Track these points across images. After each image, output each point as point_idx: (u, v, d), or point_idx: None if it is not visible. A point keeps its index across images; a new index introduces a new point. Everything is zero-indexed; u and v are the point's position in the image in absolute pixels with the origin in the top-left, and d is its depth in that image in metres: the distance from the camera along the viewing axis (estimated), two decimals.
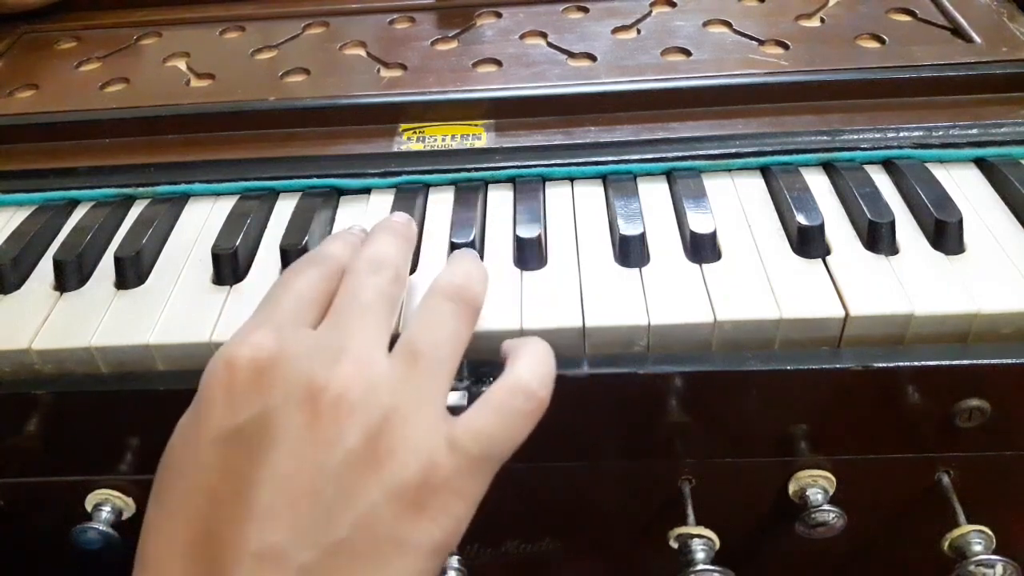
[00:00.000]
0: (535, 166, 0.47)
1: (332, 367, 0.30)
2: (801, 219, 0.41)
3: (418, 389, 0.31)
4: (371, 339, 0.31)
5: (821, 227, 0.41)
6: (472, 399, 0.32)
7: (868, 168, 0.46)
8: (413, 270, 0.41)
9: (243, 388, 0.29)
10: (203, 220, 0.47)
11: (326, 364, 0.30)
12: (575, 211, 0.45)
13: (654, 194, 0.46)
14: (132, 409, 0.40)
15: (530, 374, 0.32)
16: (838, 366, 0.37)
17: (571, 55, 0.56)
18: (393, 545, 0.28)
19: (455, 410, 0.31)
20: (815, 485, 0.41)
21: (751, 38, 0.56)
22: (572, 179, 0.47)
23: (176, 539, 0.28)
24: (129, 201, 0.49)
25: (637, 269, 0.41)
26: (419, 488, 0.29)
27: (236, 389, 0.29)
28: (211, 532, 0.28)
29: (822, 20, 0.58)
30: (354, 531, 0.28)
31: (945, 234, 0.41)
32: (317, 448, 0.29)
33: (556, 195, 0.46)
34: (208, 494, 0.29)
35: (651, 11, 0.61)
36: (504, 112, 0.51)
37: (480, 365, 0.36)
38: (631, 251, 0.41)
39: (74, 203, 0.49)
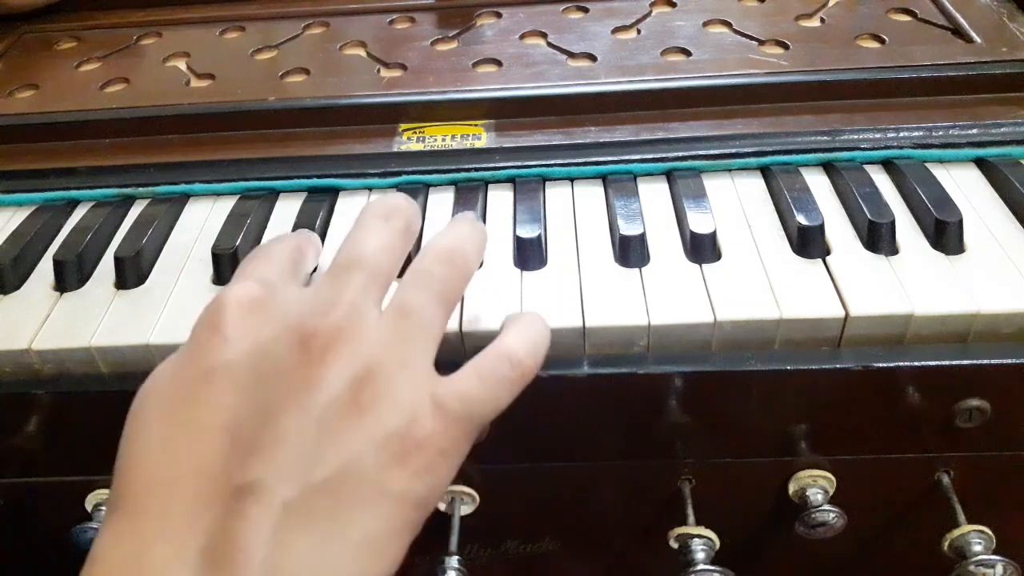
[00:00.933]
0: (535, 166, 0.47)
1: (323, 316, 0.30)
2: (801, 219, 0.41)
3: (406, 345, 0.31)
4: (366, 294, 0.32)
5: (821, 227, 0.41)
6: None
7: (868, 168, 0.46)
8: None
9: (233, 326, 0.30)
10: (203, 220, 0.47)
11: (317, 312, 0.30)
12: (575, 211, 0.45)
13: (654, 194, 0.46)
14: None
15: (519, 343, 0.33)
16: (838, 366, 0.37)
17: (571, 55, 0.56)
18: (375, 492, 0.29)
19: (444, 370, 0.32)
20: (815, 485, 0.41)
21: (751, 38, 0.56)
22: (572, 179, 0.47)
23: (157, 474, 0.28)
24: (129, 201, 0.49)
25: (637, 269, 0.41)
26: (402, 440, 0.29)
27: (226, 328, 0.30)
28: (194, 467, 0.28)
29: (822, 20, 0.58)
30: (337, 474, 0.28)
31: (945, 234, 0.41)
32: (304, 390, 0.29)
33: (556, 195, 0.46)
34: (194, 428, 0.29)
35: (651, 11, 0.61)
36: (504, 112, 0.51)
37: None
38: (631, 251, 0.41)
39: (74, 203, 0.49)
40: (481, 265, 0.42)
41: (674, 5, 0.61)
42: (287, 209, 0.47)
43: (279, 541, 0.27)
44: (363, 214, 0.35)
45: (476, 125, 0.51)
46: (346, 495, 0.28)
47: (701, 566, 0.39)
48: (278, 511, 0.27)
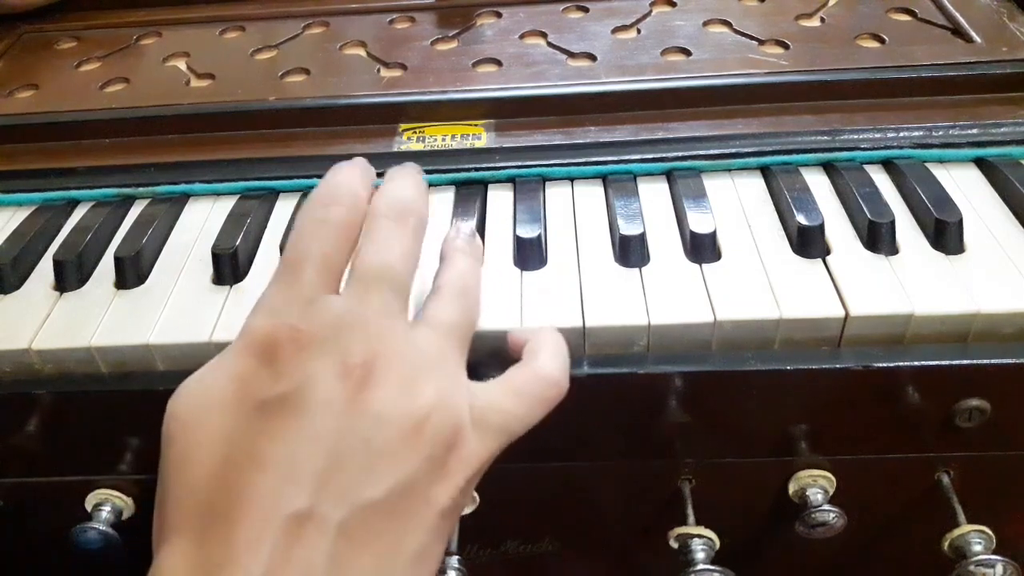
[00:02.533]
0: (535, 166, 0.47)
1: (361, 340, 0.31)
2: (801, 219, 0.41)
3: (442, 360, 0.32)
4: (396, 305, 0.32)
5: (821, 227, 0.41)
6: None
7: (868, 168, 0.46)
8: None
9: (279, 359, 0.30)
10: (203, 220, 0.47)
11: (356, 338, 0.31)
12: (575, 211, 0.45)
13: (654, 194, 0.46)
14: (132, 409, 0.40)
15: (553, 363, 0.34)
16: (838, 366, 0.37)
17: (571, 55, 0.56)
18: (423, 507, 0.30)
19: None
20: (815, 485, 0.41)
21: (751, 38, 0.56)
22: (572, 179, 0.47)
23: (218, 503, 0.28)
24: (129, 201, 0.49)
25: (637, 269, 0.41)
26: (446, 455, 0.30)
27: (279, 362, 0.30)
28: (247, 495, 0.28)
29: (822, 20, 0.58)
30: (389, 493, 0.29)
31: (945, 234, 0.41)
32: (350, 414, 0.29)
33: (556, 195, 0.46)
34: (244, 459, 0.29)
35: (651, 11, 0.61)
36: (504, 112, 0.51)
37: (479, 365, 0.36)
38: (631, 251, 0.41)
39: (74, 203, 0.49)
40: (480, 265, 0.42)
41: (674, 5, 0.61)
42: (287, 209, 0.47)
43: (338, 563, 0.28)
44: (375, 213, 0.35)
45: (476, 125, 0.51)
46: (398, 512, 0.29)
47: (701, 566, 0.39)
48: (334, 534, 0.28)
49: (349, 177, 0.36)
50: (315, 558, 0.27)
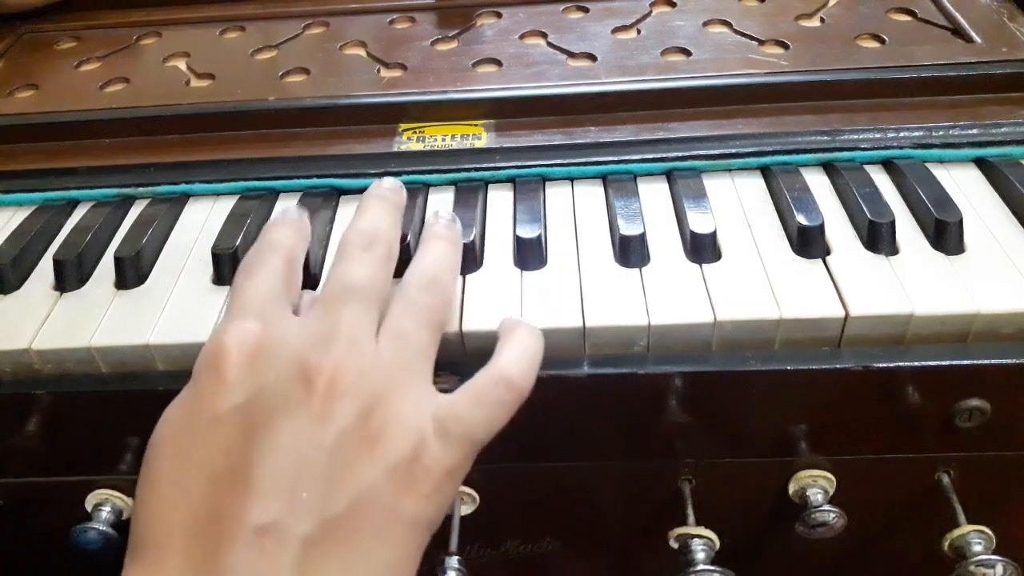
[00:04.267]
0: (535, 166, 0.47)
1: (324, 350, 0.31)
2: (801, 219, 0.41)
3: (406, 370, 0.32)
4: (361, 323, 0.33)
5: (821, 227, 0.41)
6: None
7: (868, 168, 0.46)
8: None
9: (236, 370, 0.30)
10: (203, 220, 0.47)
11: (318, 348, 0.31)
12: (575, 211, 0.45)
13: (654, 194, 0.46)
14: (132, 409, 0.40)
15: (513, 365, 0.34)
16: (838, 366, 0.37)
17: (571, 55, 0.56)
18: (389, 519, 0.30)
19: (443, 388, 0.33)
20: (815, 485, 0.41)
21: (751, 38, 0.56)
22: (572, 179, 0.47)
23: (174, 519, 0.29)
24: (129, 201, 0.49)
25: (637, 269, 0.41)
26: (410, 465, 0.30)
27: (229, 372, 0.30)
28: (210, 510, 0.28)
29: (822, 20, 0.58)
30: (352, 506, 0.29)
31: (945, 234, 0.41)
32: (313, 427, 0.30)
33: (556, 195, 0.46)
34: (207, 473, 0.29)
35: (651, 11, 0.61)
36: (504, 112, 0.51)
37: (479, 366, 0.36)
38: (631, 251, 0.41)
39: (74, 203, 0.49)
40: (481, 265, 0.42)
41: (674, 5, 0.61)
42: None
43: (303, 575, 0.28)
44: (345, 242, 0.36)
45: (476, 125, 0.51)
46: (362, 525, 0.29)
47: (701, 566, 0.39)
48: (298, 547, 0.28)
49: (280, 235, 0.37)
50: (279, 572, 0.28)
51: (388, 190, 0.40)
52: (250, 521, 0.28)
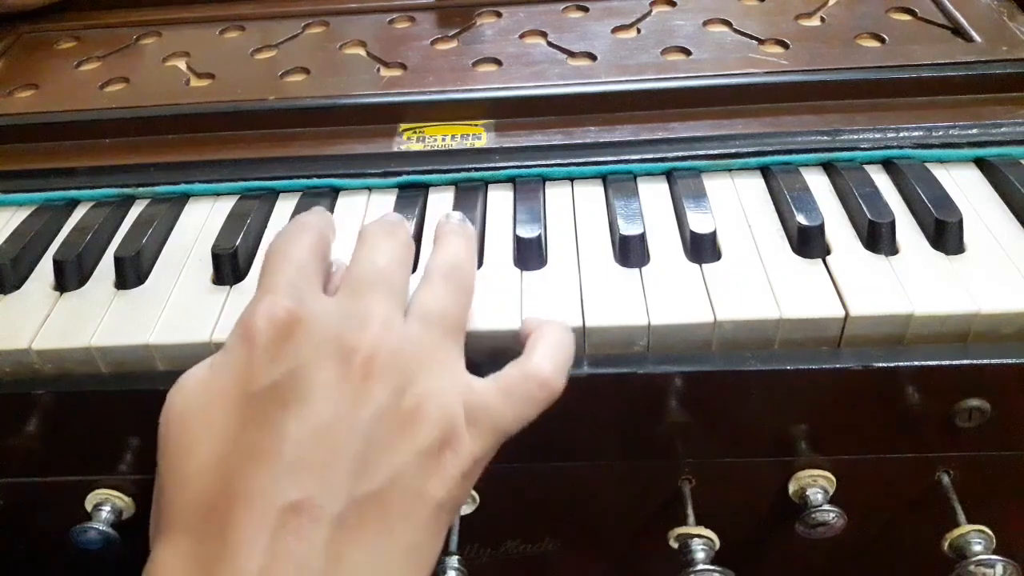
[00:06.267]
0: (535, 166, 0.47)
1: (360, 330, 0.31)
2: (801, 219, 0.41)
3: (438, 351, 0.33)
4: (390, 305, 0.33)
5: (821, 227, 0.41)
6: None
7: (868, 168, 0.46)
8: (413, 270, 0.41)
9: (271, 346, 0.30)
10: (203, 220, 0.47)
11: (353, 327, 0.31)
12: (575, 211, 0.45)
13: (654, 194, 0.46)
14: (132, 409, 0.40)
15: (549, 362, 0.34)
16: (838, 366, 0.37)
17: (571, 55, 0.56)
18: (418, 500, 0.30)
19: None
20: (815, 485, 0.41)
21: (751, 37, 0.56)
22: (572, 179, 0.47)
23: (202, 496, 0.28)
24: (129, 201, 0.49)
25: (637, 269, 0.41)
26: (441, 449, 0.30)
27: (264, 348, 0.30)
28: (239, 486, 0.28)
29: (822, 19, 0.58)
30: (384, 485, 0.29)
31: (945, 234, 0.41)
32: (348, 405, 0.29)
33: (556, 195, 0.46)
34: (238, 449, 0.29)
35: (651, 10, 0.61)
36: (504, 112, 0.51)
37: (479, 365, 0.36)
38: (631, 251, 0.41)
39: (74, 203, 0.49)
40: (481, 265, 0.42)
41: (674, 4, 0.61)
42: (287, 209, 0.47)
43: (333, 555, 0.28)
44: (366, 232, 0.36)
45: (476, 125, 0.51)
46: (392, 506, 0.29)
47: (701, 566, 0.39)
48: (330, 526, 0.28)
49: (309, 219, 0.37)
50: (310, 550, 0.27)
51: (390, 225, 0.39)
52: (283, 497, 0.28)
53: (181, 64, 0.60)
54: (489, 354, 0.37)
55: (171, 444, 0.30)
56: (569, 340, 0.35)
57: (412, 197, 0.46)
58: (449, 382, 0.32)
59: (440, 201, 0.46)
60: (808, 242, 0.41)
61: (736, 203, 0.45)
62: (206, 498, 0.28)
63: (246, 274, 0.43)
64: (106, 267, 0.44)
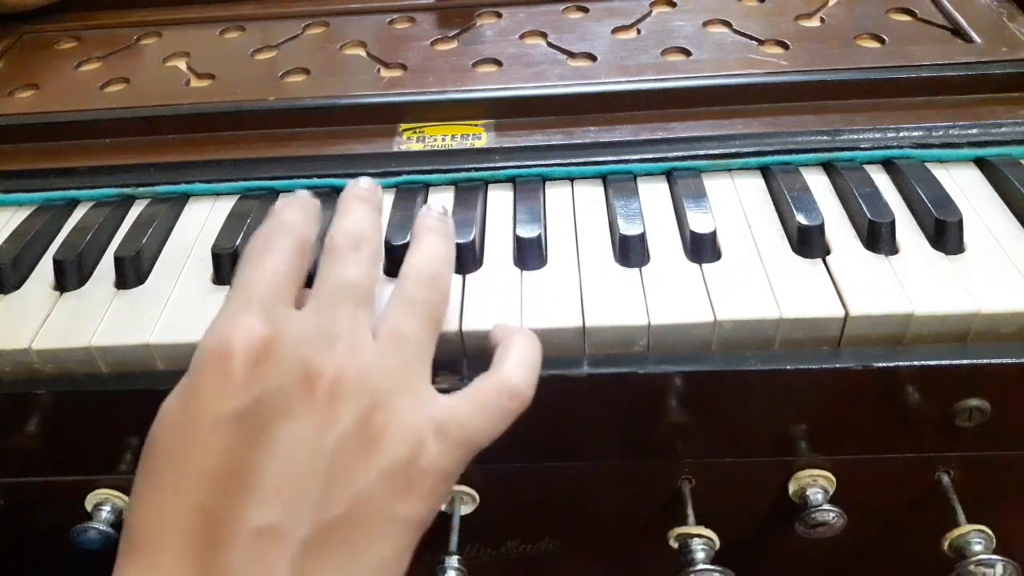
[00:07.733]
0: (535, 166, 0.47)
1: (326, 352, 0.31)
2: (801, 219, 0.41)
3: (405, 371, 0.32)
4: (358, 322, 0.33)
5: (821, 227, 0.41)
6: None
7: (868, 168, 0.46)
8: None
9: (241, 373, 0.30)
10: (203, 220, 0.47)
11: (320, 349, 0.31)
12: (575, 211, 0.45)
13: (654, 194, 0.46)
14: (132, 409, 0.39)
15: (518, 373, 0.34)
16: (838, 366, 0.37)
17: (571, 55, 0.56)
18: (385, 519, 0.30)
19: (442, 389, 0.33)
20: (815, 485, 0.41)
21: (751, 38, 0.56)
22: (572, 179, 0.47)
23: (171, 519, 0.29)
24: (129, 201, 0.49)
25: (637, 269, 0.41)
26: (408, 468, 0.31)
27: (235, 374, 0.29)
28: (208, 511, 0.28)
29: (822, 20, 0.58)
30: (350, 508, 0.29)
31: (945, 234, 0.41)
32: (314, 430, 0.30)
33: (556, 195, 0.46)
34: (206, 475, 0.29)
35: (651, 11, 0.61)
36: (504, 112, 0.51)
37: (475, 366, 0.36)
38: (631, 251, 0.41)
39: (74, 203, 0.49)
40: (481, 265, 0.42)
41: (674, 5, 0.61)
42: None
43: None
44: (332, 243, 0.35)
45: (476, 125, 0.51)
46: (359, 527, 0.30)
47: (701, 566, 0.39)
48: (296, 550, 0.28)
49: (292, 217, 0.36)
50: (278, 574, 0.28)
51: (366, 190, 0.39)
52: (249, 523, 0.28)
53: (181, 64, 0.60)
54: (488, 354, 0.37)
55: (144, 469, 0.30)
56: (537, 349, 0.36)
57: (412, 197, 0.46)
58: (415, 399, 0.32)
59: (440, 201, 0.46)
60: (808, 242, 0.41)
61: (736, 203, 0.45)
62: (164, 522, 0.29)
63: None
64: (106, 267, 0.44)
